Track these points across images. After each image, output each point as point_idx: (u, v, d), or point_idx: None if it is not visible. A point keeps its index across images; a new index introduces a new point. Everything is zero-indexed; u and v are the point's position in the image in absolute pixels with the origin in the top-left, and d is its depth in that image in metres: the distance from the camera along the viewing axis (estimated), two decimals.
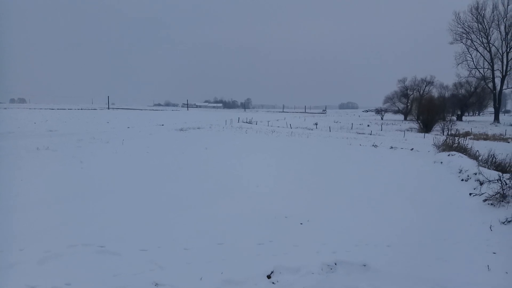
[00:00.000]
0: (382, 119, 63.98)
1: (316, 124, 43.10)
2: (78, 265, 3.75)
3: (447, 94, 65.33)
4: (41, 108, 65.12)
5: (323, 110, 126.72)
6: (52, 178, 8.01)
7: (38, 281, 3.39)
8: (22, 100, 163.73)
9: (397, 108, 69.31)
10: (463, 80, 58.33)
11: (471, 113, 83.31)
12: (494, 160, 10.50)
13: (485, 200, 6.34)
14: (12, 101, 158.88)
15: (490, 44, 50.13)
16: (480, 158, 11.39)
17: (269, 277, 3.71)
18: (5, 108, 60.43)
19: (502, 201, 5.98)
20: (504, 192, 6.09)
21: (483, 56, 51.42)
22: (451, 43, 53.09)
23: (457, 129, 31.83)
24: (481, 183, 7.43)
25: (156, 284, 3.44)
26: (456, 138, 15.37)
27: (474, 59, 52.27)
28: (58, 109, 66.45)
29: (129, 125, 29.02)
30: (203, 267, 3.83)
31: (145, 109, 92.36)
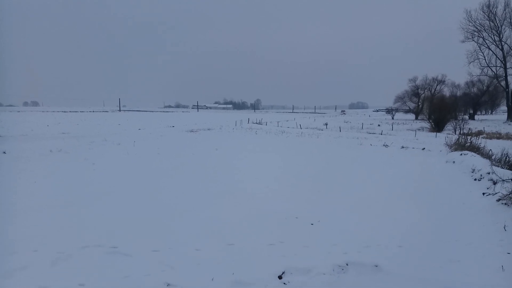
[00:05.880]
0: (392, 118, 63.38)
1: (326, 124, 42.92)
2: (91, 266, 3.79)
3: (459, 93, 64.46)
4: (53, 111, 66.37)
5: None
6: (64, 180, 8.14)
7: (51, 282, 3.43)
8: (35, 103, 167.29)
9: (408, 108, 68.56)
10: (475, 78, 57.54)
11: (483, 112, 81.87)
12: (507, 159, 10.30)
13: (498, 200, 6.21)
14: (26, 104, 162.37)
15: (502, 42, 49.34)
16: (493, 157, 11.19)
17: (280, 277, 3.71)
18: (19, 111, 61.71)
19: None
20: None
21: (495, 54, 50.60)
22: (463, 41, 52.38)
23: (469, 128, 31.33)
24: (495, 183, 7.29)
25: (168, 285, 3.46)
26: (469, 137, 15.12)
27: (486, 57, 51.51)
28: (70, 111, 67.64)
29: (140, 127, 29.38)
30: (214, 267, 3.84)
31: (155, 111, 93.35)
